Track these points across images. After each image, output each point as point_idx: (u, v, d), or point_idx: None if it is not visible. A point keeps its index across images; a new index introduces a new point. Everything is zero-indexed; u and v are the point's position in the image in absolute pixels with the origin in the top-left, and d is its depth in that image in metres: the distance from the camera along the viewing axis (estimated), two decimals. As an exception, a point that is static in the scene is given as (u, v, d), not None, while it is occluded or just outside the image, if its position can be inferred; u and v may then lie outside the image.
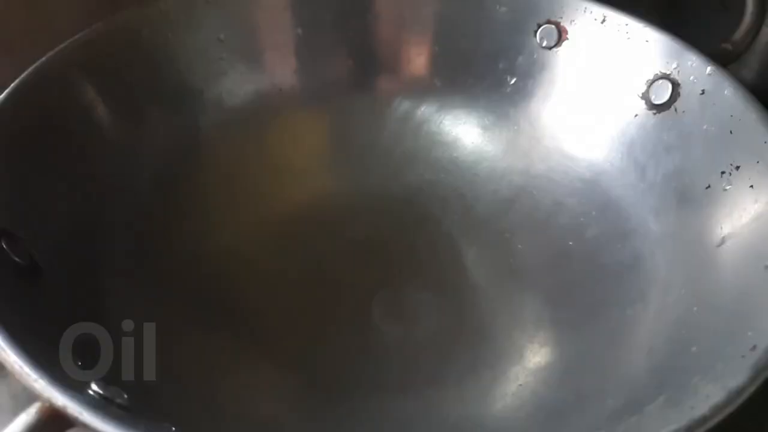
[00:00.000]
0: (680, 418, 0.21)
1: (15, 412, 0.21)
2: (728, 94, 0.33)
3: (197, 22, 0.38)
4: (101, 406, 0.22)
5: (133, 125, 0.36)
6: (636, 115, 0.37)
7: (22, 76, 0.32)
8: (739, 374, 0.23)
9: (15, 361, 0.22)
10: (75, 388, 0.22)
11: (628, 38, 0.37)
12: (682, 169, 0.34)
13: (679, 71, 0.35)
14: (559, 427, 0.29)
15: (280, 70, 0.41)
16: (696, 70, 0.34)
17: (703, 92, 0.34)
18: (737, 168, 0.31)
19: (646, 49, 0.36)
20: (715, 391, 0.22)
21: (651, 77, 0.36)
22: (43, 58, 0.33)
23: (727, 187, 0.32)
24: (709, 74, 0.34)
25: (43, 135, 0.32)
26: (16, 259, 0.27)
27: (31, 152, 0.31)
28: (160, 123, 0.37)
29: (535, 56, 0.40)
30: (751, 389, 0.22)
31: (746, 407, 0.22)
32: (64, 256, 0.30)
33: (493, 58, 0.41)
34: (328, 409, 0.31)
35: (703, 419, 0.21)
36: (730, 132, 0.32)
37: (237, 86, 0.40)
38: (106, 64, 0.35)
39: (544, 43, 0.39)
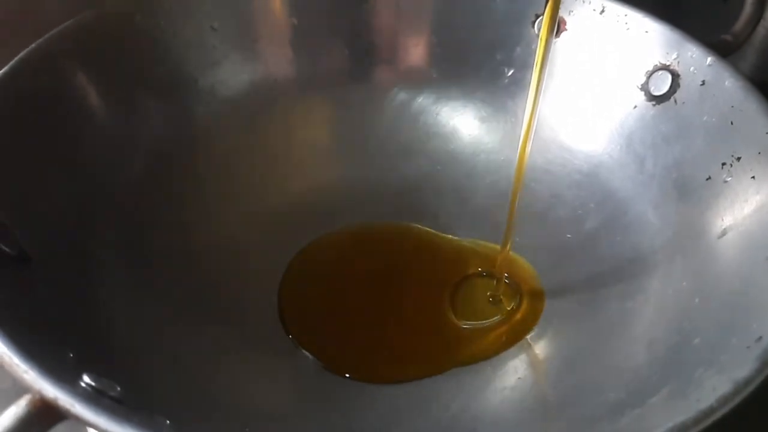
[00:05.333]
0: (687, 410, 0.21)
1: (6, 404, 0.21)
2: (729, 84, 0.32)
3: (190, 10, 0.38)
4: (93, 398, 0.21)
5: (125, 113, 0.35)
6: (635, 107, 0.36)
7: (12, 62, 0.31)
8: (746, 365, 0.22)
9: (4, 352, 0.22)
10: (66, 380, 0.21)
11: (628, 29, 0.37)
12: (682, 160, 0.34)
13: (678, 62, 0.35)
14: (559, 419, 0.29)
15: (275, 59, 0.41)
16: (696, 60, 0.34)
17: (703, 83, 0.34)
18: (738, 159, 0.31)
19: (646, 40, 0.36)
20: (721, 382, 0.22)
21: (650, 68, 0.36)
22: (34, 45, 0.32)
23: (728, 179, 0.31)
24: (709, 65, 0.33)
25: (33, 123, 0.31)
26: (5, 248, 0.26)
27: (20, 140, 0.30)
28: (153, 112, 0.36)
29: (532, 47, 0.39)
30: (758, 380, 0.22)
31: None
32: (54, 245, 0.29)
33: (490, 49, 0.40)
34: (325, 401, 0.31)
35: (711, 411, 0.21)
36: (731, 123, 0.32)
37: (231, 76, 0.39)
38: (97, 51, 0.34)
39: (542, 34, 0.39)
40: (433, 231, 0.39)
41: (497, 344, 0.33)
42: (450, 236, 0.38)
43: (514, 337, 0.33)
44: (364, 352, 0.33)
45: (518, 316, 0.34)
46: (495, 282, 0.36)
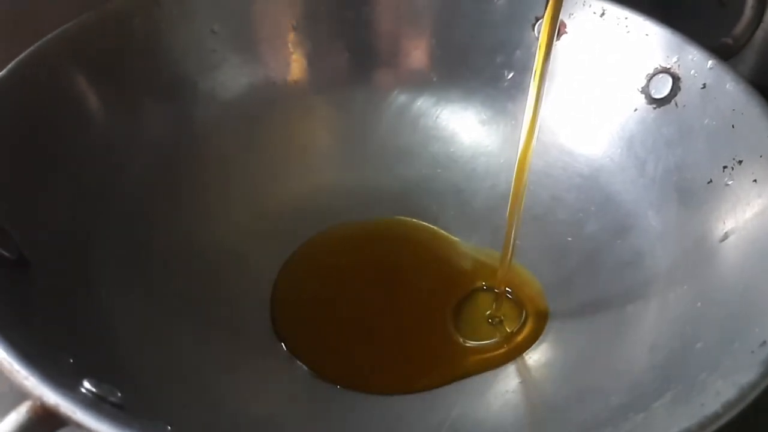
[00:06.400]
0: (691, 416, 0.21)
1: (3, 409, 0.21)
2: (730, 88, 0.32)
3: (190, 13, 0.38)
4: (94, 404, 0.21)
5: (125, 116, 0.35)
6: (636, 110, 0.36)
7: (10, 65, 0.31)
8: (750, 370, 0.22)
9: (4, 357, 0.21)
10: (67, 385, 0.21)
11: (628, 32, 0.37)
12: (683, 164, 0.34)
13: (679, 65, 0.35)
14: (561, 424, 0.29)
15: (275, 62, 0.40)
16: (697, 63, 0.34)
17: (704, 86, 0.33)
18: (740, 162, 0.31)
19: (646, 43, 0.36)
20: (725, 387, 0.22)
21: (651, 71, 0.36)
22: (33, 48, 0.32)
23: (730, 182, 0.31)
24: (710, 68, 0.33)
25: (32, 126, 0.31)
26: (5, 253, 0.26)
27: (20, 144, 0.30)
28: (153, 114, 0.36)
29: (533, 50, 0.39)
30: (763, 385, 0.22)
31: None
32: (54, 249, 0.29)
33: (490, 51, 0.40)
34: (325, 406, 0.31)
35: (716, 416, 0.21)
36: (732, 126, 0.32)
37: (231, 79, 0.39)
38: (97, 54, 0.34)
39: (542, 37, 0.39)
40: (430, 226, 0.39)
41: (497, 359, 0.33)
42: (449, 235, 0.38)
43: (515, 351, 0.33)
44: (359, 361, 0.33)
45: (520, 337, 0.34)
46: (495, 301, 0.35)
